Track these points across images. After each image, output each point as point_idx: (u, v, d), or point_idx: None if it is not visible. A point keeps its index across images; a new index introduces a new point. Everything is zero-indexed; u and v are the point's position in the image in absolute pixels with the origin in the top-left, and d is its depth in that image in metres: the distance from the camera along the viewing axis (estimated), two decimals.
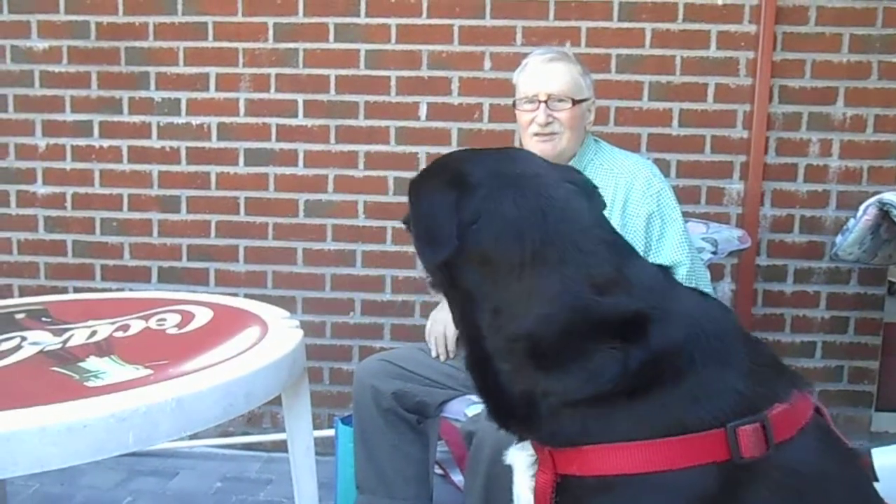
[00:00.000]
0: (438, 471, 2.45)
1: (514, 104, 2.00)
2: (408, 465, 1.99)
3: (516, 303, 0.96)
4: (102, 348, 1.43)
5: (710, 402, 0.91)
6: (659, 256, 1.86)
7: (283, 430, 1.67)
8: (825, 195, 2.63)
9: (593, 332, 0.93)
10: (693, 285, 1.42)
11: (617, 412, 0.92)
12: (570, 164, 1.95)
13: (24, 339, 1.50)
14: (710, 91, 2.61)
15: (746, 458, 0.88)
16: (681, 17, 2.58)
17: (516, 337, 0.96)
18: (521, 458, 1.03)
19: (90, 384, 1.24)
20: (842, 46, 2.56)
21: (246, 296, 2.53)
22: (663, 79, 2.61)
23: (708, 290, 1.89)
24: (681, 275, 1.79)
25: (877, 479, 1.01)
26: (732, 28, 2.58)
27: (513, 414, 1.00)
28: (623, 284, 0.96)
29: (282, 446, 1.87)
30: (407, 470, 1.99)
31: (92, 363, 1.34)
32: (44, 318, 1.67)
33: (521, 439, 1.03)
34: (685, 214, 2.00)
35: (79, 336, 1.51)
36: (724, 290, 2.67)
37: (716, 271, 2.62)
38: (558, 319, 0.94)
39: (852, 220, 2.18)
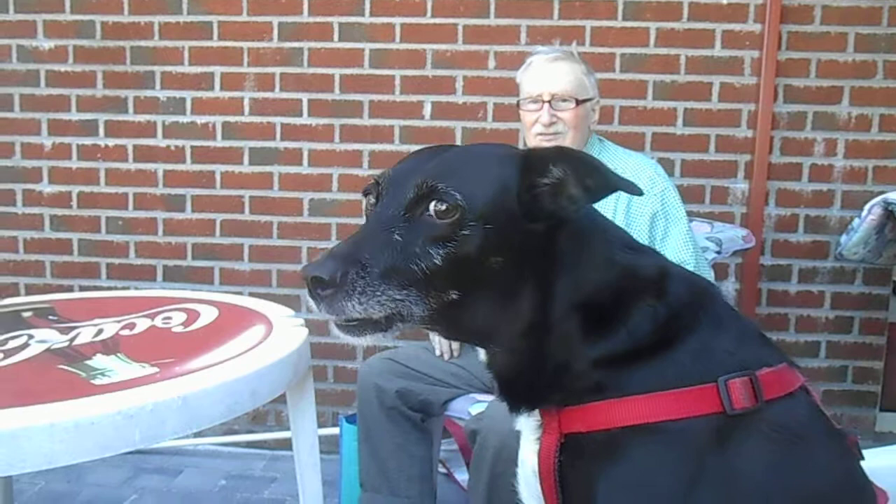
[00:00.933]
0: (442, 469, 2.46)
1: (517, 104, 2.00)
2: (412, 464, 1.99)
3: (587, 270, 1.00)
4: (109, 346, 1.44)
5: (708, 360, 0.96)
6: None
7: (288, 429, 1.68)
8: (830, 195, 2.63)
9: (634, 290, 0.99)
10: None
11: (630, 369, 0.96)
12: None
13: (31, 337, 1.51)
14: (715, 90, 2.61)
15: (738, 409, 0.93)
16: (685, 16, 2.58)
17: (580, 304, 0.98)
18: (528, 424, 1.05)
19: (97, 382, 1.25)
20: (847, 46, 2.56)
21: (251, 294, 2.54)
22: (668, 78, 2.61)
23: None
24: None
25: (862, 458, 1.02)
26: (737, 27, 2.58)
27: (536, 388, 1.02)
28: (644, 249, 1.08)
29: (286, 444, 1.88)
30: (411, 468, 1.99)
31: (98, 361, 1.35)
32: (50, 317, 1.67)
33: (530, 410, 1.05)
34: (689, 214, 2.00)
35: (85, 334, 1.52)
36: (729, 290, 2.67)
37: (720, 270, 2.62)
38: (612, 280, 1.00)
39: (857, 220, 2.17)
